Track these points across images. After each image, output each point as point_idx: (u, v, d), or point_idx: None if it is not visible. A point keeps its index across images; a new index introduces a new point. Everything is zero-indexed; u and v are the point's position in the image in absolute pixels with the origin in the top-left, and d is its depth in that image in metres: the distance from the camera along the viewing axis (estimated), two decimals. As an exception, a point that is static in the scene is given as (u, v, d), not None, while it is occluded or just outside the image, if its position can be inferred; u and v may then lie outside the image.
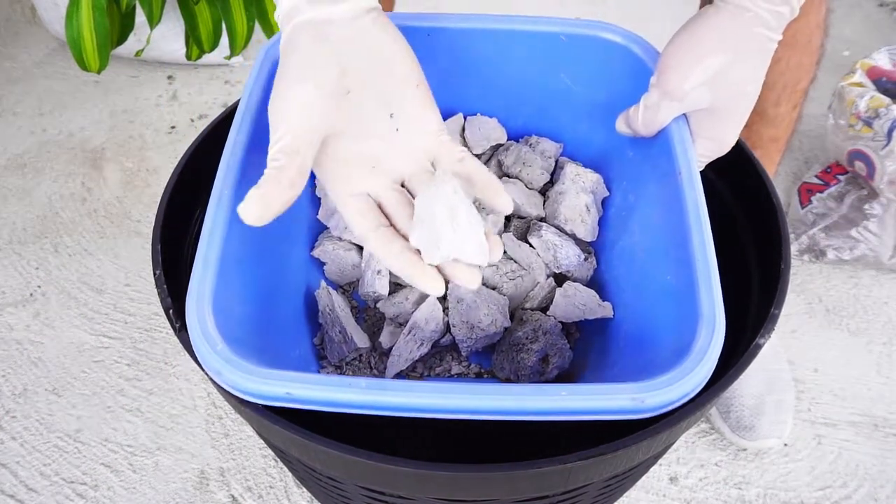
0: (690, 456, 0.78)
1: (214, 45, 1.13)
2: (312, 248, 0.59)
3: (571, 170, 0.58)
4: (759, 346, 0.46)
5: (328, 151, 0.41)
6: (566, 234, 0.58)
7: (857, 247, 0.93)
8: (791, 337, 0.89)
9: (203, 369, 0.40)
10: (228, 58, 1.18)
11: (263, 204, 0.38)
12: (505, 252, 0.58)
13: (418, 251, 0.40)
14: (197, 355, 0.39)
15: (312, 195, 0.60)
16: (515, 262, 0.58)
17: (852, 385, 0.84)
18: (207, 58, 1.22)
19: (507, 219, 0.61)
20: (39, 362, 0.86)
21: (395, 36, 0.43)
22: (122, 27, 1.07)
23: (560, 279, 0.58)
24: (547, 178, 0.62)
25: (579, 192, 0.57)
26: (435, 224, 0.39)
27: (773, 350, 0.82)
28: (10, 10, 1.38)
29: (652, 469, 0.77)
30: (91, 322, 0.90)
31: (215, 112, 1.19)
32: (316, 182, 0.60)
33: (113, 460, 0.78)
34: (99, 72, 1.04)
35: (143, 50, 1.16)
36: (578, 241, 0.58)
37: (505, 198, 0.43)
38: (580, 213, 0.57)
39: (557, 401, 0.37)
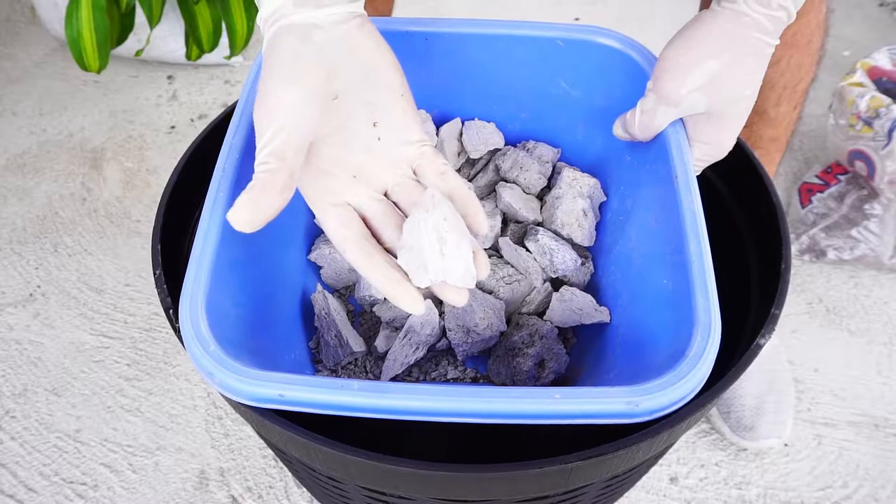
0: (691, 456, 0.78)
1: (214, 45, 1.13)
2: (309, 251, 0.59)
3: (568, 174, 0.58)
4: (760, 347, 0.46)
5: (309, 159, 0.40)
6: (563, 238, 0.58)
7: (857, 247, 0.93)
8: (791, 337, 0.89)
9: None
10: (228, 58, 1.18)
11: (253, 209, 0.37)
12: (501, 256, 0.58)
13: (400, 267, 0.40)
14: (190, 357, 0.39)
15: None
16: (512, 266, 0.58)
17: (852, 385, 0.84)
18: (207, 58, 1.22)
19: (504, 223, 0.61)
20: (39, 362, 0.86)
21: (380, 43, 0.42)
22: (122, 27, 1.07)
23: (557, 284, 0.58)
24: (544, 182, 0.62)
25: (576, 196, 0.57)
26: (423, 251, 0.39)
27: (774, 350, 0.82)
28: (10, 10, 1.38)
29: (652, 469, 0.77)
30: (91, 322, 0.90)
31: (215, 112, 1.19)
32: None
33: (113, 460, 0.78)
34: (99, 72, 1.04)
35: (143, 50, 1.16)
36: (575, 246, 0.58)
37: (482, 218, 0.42)
38: (577, 218, 0.57)
39: (551, 404, 0.37)
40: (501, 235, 0.59)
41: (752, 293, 0.56)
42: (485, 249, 0.59)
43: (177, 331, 0.45)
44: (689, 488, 0.76)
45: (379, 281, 0.39)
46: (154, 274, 0.49)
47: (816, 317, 0.91)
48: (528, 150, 0.63)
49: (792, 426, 0.78)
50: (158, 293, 0.48)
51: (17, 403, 0.83)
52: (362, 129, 0.43)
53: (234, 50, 1.13)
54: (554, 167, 0.63)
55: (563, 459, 0.40)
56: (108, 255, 0.98)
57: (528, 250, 0.57)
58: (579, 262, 0.57)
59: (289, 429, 0.41)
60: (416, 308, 0.39)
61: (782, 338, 0.88)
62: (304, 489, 0.75)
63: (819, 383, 0.84)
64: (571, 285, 0.57)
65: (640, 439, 0.41)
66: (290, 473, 0.76)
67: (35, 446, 0.79)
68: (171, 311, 0.47)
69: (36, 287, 0.94)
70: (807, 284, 0.94)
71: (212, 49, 1.13)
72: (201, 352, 0.38)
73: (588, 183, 0.58)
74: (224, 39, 1.16)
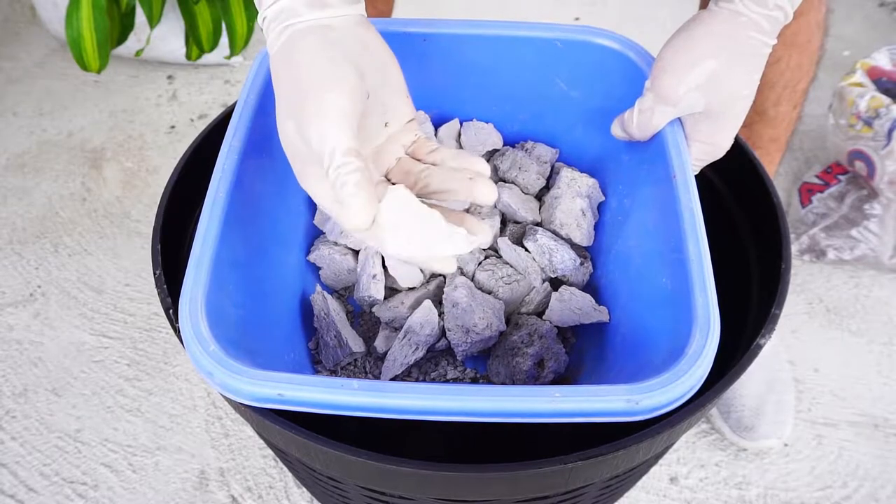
0: (691, 456, 0.78)
1: (214, 45, 1.13)
2: (308, 252, 0.59)
3: (567, 174, 0.58)
4: (760, 347, 0.46)
5: None
6: (562, 238, 0.58)
7: (857, 247, 0.93)
8: (791, 337, 0.89)
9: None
10: (228, 58, 1.19)
11: (370, 203, 0.36)
12: (500, 256, 0.58)
13: None
14: (189, 357, 0.39)
15: (309, 199, 0.60)
16: (511, 266, 0.58)
17: (852, 385, 0.84)
18: (207, 58, 1.22)
19: (503, 223, 0.61)
20: (39, 362, 0.86)
21: (385, 44, 0.43)
22: (122, 27, 1.07)
23: (556, 284, 0.58)
24: (543, 182, 0.62)
25: (574, 196, 0.57)
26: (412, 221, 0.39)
27: (774, 350, 0.82)
28: (10, 10, 1.38)
29: (652, 469, 0.77)
30: (91, 322, 0.90)
31: (215, 112, 1.19)
32: None
33: (113, 460, 0.78)
34: (99, 72, 1.04)
35: (143, 50, 1.16)
36: (574, 246, 0.58)
37: (483, 165, 0.42)
38: (575, 218, 0.57)
39: (550, 403, 0.37)
40: (500, 236, 0.59)
41: (752, 293, 0.56)
42: (484, 250, 0.59)
43: (177, 331, 0.45)
44: (689, 488, 0.76)
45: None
46: (154, 274, 0.49)
47: (816, 317, 0.91)
48: (526, 150, 0.63)
49: (792, 426, 0.78)
50: (158, 293, 0.48)
51: (18, 403, 0.83)
52: (376, 127, 0.44)
53: (234, 50, 1.13)
54: (552, 167, 0.63)
55: (563, 459, 0.40)
56: (108, 255, 0.98)
57: (526, 250, 0.57)
58: (578, 261, 0.57)
59: (289, 429, 0.41)
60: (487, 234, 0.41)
61: (782, 338, 0.88)
62: (304, 489, 0.75)
63: (819, 383, 0.84)
64: (570, 285, 0.57)
65: (640, 439, 0.41)
66: (290, 473, 0.76)
67: (35, 446, 0.79)
68: (171, 311, 0.47)
69: (36, 287, 0.94)
70: (807, 284, 0.94)
71: (212, 49, 1.13)
72: (201, 352, 0.38)
73: (587, 183, 0.58)
74: (224, 39, 1.16)
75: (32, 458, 0.78)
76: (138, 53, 1.17)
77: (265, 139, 0.50)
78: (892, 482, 0.76)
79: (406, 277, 0.57)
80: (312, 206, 0.60)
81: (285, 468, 0.76)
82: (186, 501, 0.75)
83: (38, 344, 0.88)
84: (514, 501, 0.48)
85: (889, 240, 0.92)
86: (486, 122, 0.63)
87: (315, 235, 0.60)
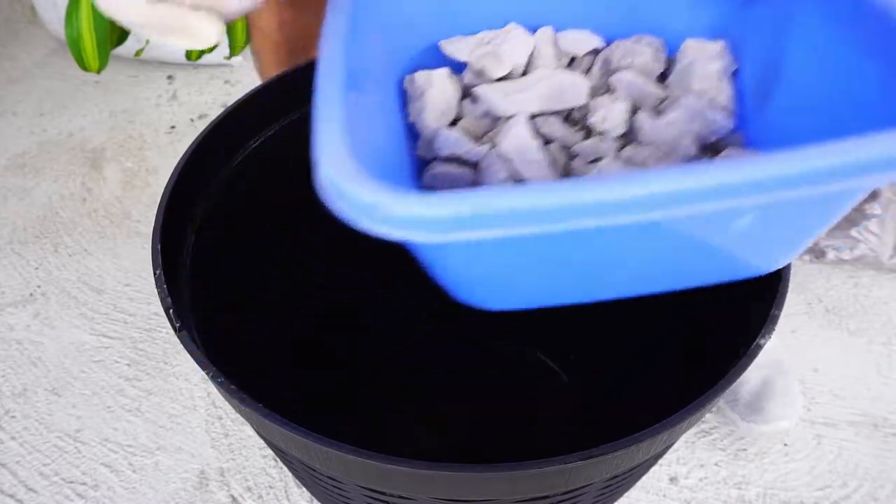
0: (690, 456, 0.78)
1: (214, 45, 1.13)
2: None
3: (692, 43, 0.49)
4: (760, 347, 0.46)
5: None
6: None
7: (857, 247, 0.93)
8: (791, 337, 0.89)
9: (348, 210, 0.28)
10: (228, 58, 1.18)
11: None
12: (639, 141, 0.47)
13: None
14: (335, 199, 0.28)
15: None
16: (655, 146, 0.46)
17: (852, 385, 0.84)
18: (207, 58, 1.22)
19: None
20: (39, 362, 0.86)
21: None
22: (121, 27, 1.07)
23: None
24: (661, 67, 0.51)
25: (708, 60, 0.48)
26: None
27: (773, 344, 0.82)
28: (10, 10, 1.38)
29: (652, 469, 0.77)
30: (91, 322, 0.90)
31: (215, 112, 1.19)
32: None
33: (113, 460, 0.78)
34: (99, 72, 1.04)
35: (143, 50, 1.16)
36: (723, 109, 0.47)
37: None
38: (714, 83, 0.48)
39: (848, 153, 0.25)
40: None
41: (752, 293, 0.56)
42: (618, 138, 0.47)
43: (177, 331, 0.45)
44: (689, 488, 0.76)
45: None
46: (154, 274, 0.49)
47: (816, 317, 0.91)
48: (635, 41, 0.51)
49: (801, 407, 0.78)
50: (158, 293, 0.48)
51: (17, 403, 0.83)
52: None
53: (233, 50, 1.13)
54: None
55: (563, 459, 0.40)
56: (108, 255, 0.98)
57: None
58: (732, 123, 0.46)
59: (289, 428, 0.41)
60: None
61: (782, 338, 0.88)
62: (304, 489, 0.75)
63: (819, 383, 0.84)
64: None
65: (640, 439, 0.41)
66: (290, 473, 0.76)
67: (35, 446, 0.79)
68: (171, 311, 0.47)
69: (36, 287, 0.94)
70: (806, 284, 0.94)
71: (212, 49, 1.13)
72: (358, 183, 0.27)
73: (715, 48, 0.49)
74: (224, 39, 1.16)
75: (32, 458, 0.78)
76: (138, 53, 1.17)
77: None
78: (892, 482, 0.76)
79: None
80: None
81: (285, 468, 0.76)
82: (186, 501, 0.75)
83: (38, 344, 0.88)
84: (513, 501, 0.48)
85: (889, 240, 0.92)
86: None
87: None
